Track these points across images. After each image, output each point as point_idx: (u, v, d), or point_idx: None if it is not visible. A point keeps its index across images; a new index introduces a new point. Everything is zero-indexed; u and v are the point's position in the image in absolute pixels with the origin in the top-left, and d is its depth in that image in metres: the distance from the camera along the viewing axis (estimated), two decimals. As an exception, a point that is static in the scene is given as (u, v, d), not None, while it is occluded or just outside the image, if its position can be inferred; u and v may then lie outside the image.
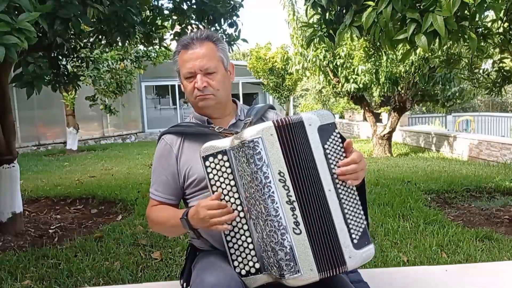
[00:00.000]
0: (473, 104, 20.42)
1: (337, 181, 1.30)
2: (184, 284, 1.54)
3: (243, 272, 1.32)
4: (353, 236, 1.30)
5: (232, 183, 1.32)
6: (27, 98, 3.15)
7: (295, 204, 1.25)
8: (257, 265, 1.31)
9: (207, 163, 1.32)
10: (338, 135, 1.32)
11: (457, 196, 5.14)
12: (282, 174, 1.26)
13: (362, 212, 1.33)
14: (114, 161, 9.35)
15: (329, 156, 1.30)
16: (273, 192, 1.25)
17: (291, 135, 1.27)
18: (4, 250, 3.60)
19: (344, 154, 1.32)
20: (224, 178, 1.32)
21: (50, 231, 4.13)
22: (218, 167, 1.32)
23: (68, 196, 5.41)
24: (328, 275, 1.27)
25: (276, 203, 1.25)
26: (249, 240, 1.31)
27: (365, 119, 13.59)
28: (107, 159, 9.72)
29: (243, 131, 1.30)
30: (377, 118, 12.67)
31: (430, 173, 6.54)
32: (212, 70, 1.45)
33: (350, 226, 1.30)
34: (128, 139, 15.68)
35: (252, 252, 1.31)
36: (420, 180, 5.78)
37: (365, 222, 1.33)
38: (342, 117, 18.88)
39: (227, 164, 1.32)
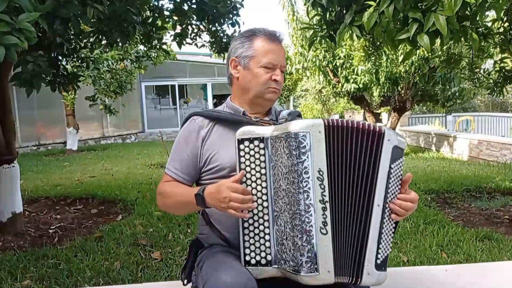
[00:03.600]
0: (473, 104, 20.42)
1: (388, 200, 1.32)
2: (185, 281, 1.54)
3: (253, 261, 1.31)
4: (379, 256, 1.30)
5: (263, 171, 1.31)
6: (27, 97, 3.15)
7: (327, 204, 1.25)
8: (269, 257, 1.30)
9: (242, 147, 1.32)
10: (402, 163, 1.35)
11: (457, 196, 5.14)
12: (321, 173, 1.25)
13: (392, 239, 1.34)
14: (114, 161, 9.35)
15: (391, 176, 1.31)
16: (309, 188, 1.24)
17: (343, 138, 1.28)
18: (4, 250, 3.60)
19: (400, 183, 1.35)
20: (256, 165, 1.31)
21: (50, 231, 4.13)
22: (252, 152, 1.31)
23: (68, 196, 5.41)
24: (344, 281, 1.28)
25: (310, 200, 1.24)
26: (267, 230, 1.31)
27: (365, 119, 13.58)
28: (107, 159, 9.71)
29: (288, 123, 1.30)
30: (377, 118, 12.67)
31: (430, 173, 6.54)
32: (284, 70, 1.53)
33: (380, 246, 1.30)
34: (128, 139, 15.68)
35: (267, 243, 1.30)
36: (420, 180, 5.77)
37: (390, 249, 1.34)
38: (342, 117, 18.89)
39: (262, 151, 1.31)
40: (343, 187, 1.28)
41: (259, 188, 1.31)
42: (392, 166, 1.31)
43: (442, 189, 5.34)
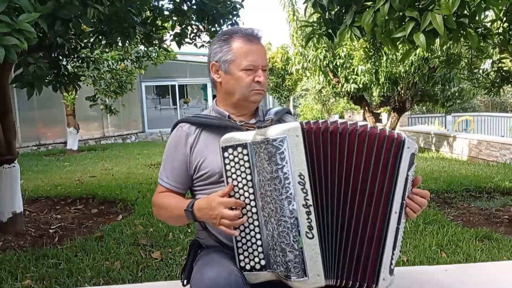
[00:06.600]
0: (473, 104, 20.42)
1: (404, 207, 1.31)
2: (185, 282, 1.55)
3: (248, 267, 1.32)
4: (392, 262, 1.31)
5: (249, 177, 1.30)
6: (28, 99, 3.16)
7: (311, 208, 1.24)
8: (263, 262, 1.31)
9: (226, 154, 1.31)
10: (415, 167, 1.34)
11: (457, 196, 5.15)
12: (302, 177, 1.24)
13: (401, 245, 1.35)
14: (114, 161, 9.35)
15: (407, 183, 1.30)
16: (291, 194, 1.24)
17: (327, 141, 1.26)
18: (5, 250, 3.61)
19: (411, 187, 1.34)
20: (241, 172, 1.30)
21: (51, 231, 4.14)
22: (236, 159, 1.30)
23: (68, 196, 5.42)
24: (336, 283, 1.29)
25: (293, 205, 1.24)
26: (258, 236, 1.31)
27: (364, 119, 13.59)
28: (108, 159, 9.72)
29: (267, 128, 1.29)
30: (377, 118, 12.68)
31: (430, 173, 6.55)
32: (266, 69, 1.50)
33: (394, 252, 1.31)
34: (128, 139, 15.68)
35: (260, 249, 1.31)
36: (420, 180, 5.76)
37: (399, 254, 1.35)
38: (342, 117, 18.87)
39: (246, 158, 1.30)
40: (337, 191, 1.27)
41: (246, 194, 1.30)
42: (409, 173, 1.30)
43: (441, 189, 5.34)
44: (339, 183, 1.27)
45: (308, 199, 1.24)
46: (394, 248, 1.30)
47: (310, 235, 1.24)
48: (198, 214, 1.35)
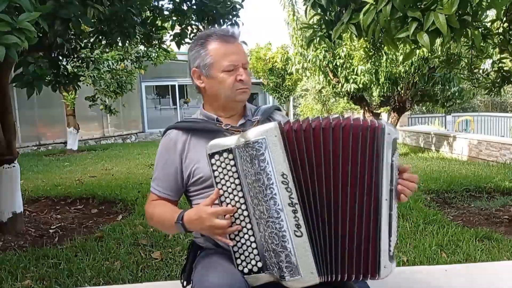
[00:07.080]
0: (473, 104, 20.44)
1: (393, 193, 1.31)
2: (185, 283, 1.54)
3: (246, 270, 1.32)
4: (390, 248, 1.31)
5: (237, 181, 1.30)
6: (27, 98, 3.16)
7: (297, 207, 1.24)
8: (260, 264, 1.31)
9: (213, 161, 1.31)
10: (398, 152, 1.34)
11: (457, 196, 5.14)
12: (285, 176, 1.25)
13: (397, 230, 1.35)
14: (114, 161, 9.35)
15: (393, 169, 1.30)
16: (275, 194, 1.24)
17: (309, 138, 1.25)
18: (5, 250, 3.61)
19: (398, 173, 1.34)
20: (229, 177, 1.31)
21: (51, 231, 4.14)
22: (223, 165, 1.31)
23: (68, 196, 5.42)
24: (330, 279, 1.28)
25: (278, 205, 1.24)
26: (252, 239, 1.31)
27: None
28: (107, 159, 9.72)
29: (248, 131, 1.29)
30: (377, 118, 12.66)
31: (430, 173, 6.55)
32: (247, 66, 1.50)
33: (391, 239, 1.31)
34: (128, 139, 15.68)
35: (255, 251, 1.31)
36: (420, 180, 5.76)
37: (397, 238, 1.34)
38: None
39: (232, 162, 1.30)
40: (326, 186, 1.26)
41: (236, 199, 1.30)
42: (393, 159, 1.30)
43: (441, 189, 5.34)
44: (327, 178, 1.27)
45: (293, 198, 1.25)
46: (390, 235, 1.30)
47: (298, 234, 1.25)
48: (189, 225, 1.35)
